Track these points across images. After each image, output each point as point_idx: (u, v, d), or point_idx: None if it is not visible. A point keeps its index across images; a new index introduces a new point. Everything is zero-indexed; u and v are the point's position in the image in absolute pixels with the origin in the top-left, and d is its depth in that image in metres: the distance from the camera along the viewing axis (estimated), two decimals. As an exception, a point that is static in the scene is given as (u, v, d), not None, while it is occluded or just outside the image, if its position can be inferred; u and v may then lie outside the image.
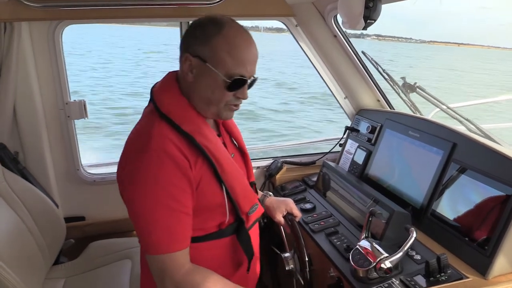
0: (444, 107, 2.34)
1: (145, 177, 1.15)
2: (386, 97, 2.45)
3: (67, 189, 2.36)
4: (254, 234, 1.48)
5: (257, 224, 1.51)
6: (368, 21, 1.78)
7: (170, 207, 1.16)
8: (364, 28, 1.81)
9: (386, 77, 2.32)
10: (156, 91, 1.30)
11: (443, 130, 1.79)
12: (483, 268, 1.40)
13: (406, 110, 2.28)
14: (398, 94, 2.33)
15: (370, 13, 1.74)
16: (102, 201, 2.43)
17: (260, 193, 1.88)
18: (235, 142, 1.53)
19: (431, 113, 2.79)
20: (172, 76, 1.32)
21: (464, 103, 2.87)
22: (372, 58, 2.34)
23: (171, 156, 1.16)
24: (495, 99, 3.68)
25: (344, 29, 2.25)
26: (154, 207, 1.15)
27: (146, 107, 1.34)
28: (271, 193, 1.92)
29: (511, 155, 1.49)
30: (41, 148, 2.19)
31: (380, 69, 2.31)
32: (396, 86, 2.32)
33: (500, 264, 1.38)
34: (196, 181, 1.22)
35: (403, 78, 2.35)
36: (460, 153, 1.67)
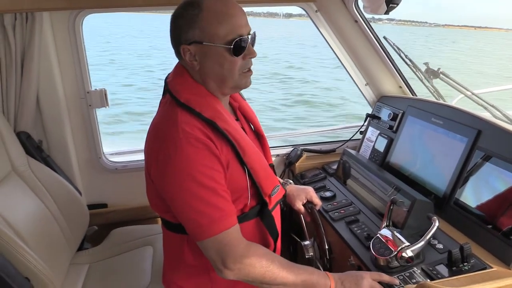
0: (468, 93, 2.28)
1: (181, 164, 1.17)
2: (408, 84, 2.40)
3: (90, 177, 2.41)
4: (277, 216, 1.49)
5: (278, 206, 1.52)
6: (391, 5, 1.74)
7: (212, 187, 1.19)
8: (386, 12, 1.77)
9: (409, 63, 2.26)
10: (171, 82, 1.32)
11: (467, 116, 1.74)
12: (507, 258, 1.37)
13: (429, 97, 2.23)
14: (421, 81, 2.28)
15: (393, -3, 1.70)
16: (124, 188, 2.47)
17: (280, 180, 1.87)
18: (251, 126, 1.54)
19: (454, 100, 2.73)
20: (182, 66, 1.32)
21: (489, 88, 2.80)
22: (394, 44, 2.29)
23: (201, 140, 1.18)
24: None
25: (365, 14, 2.20)
26: (197, 191, 1.17)
27: (162, 98, 1.35)
28: (291, 181, 1.91)
29: None
30: (64, 137, 2.23)
31: (402, 54, 2.26)
32: (419, 72, 2.26)
33: None
34: (226, 164, 1.24)
35: (426, 63, 2.30)
36: (485, 140, 1.62)
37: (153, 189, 1.34)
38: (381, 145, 2.20)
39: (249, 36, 1.26)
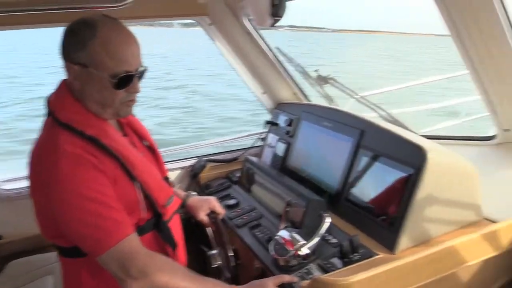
0: (357, 96, 2.46)
1: (67, 183, 1.15)
2: (302, 90, 2.53)
3: (-21, 208, 2.21)
4: (175, 225, 1.50)
5: (177, 216, 1.54)
6: (275, 18, 1.83)
7: (101, 200, 1.17)
8: (272, 25, 1.86)
9: (301, 70, 2.39)
10: (52, 102, 1.29)
11: (352, 118, 1.89)
12: (391, 244, 1.50)
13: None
14: (313, 86, 2.42)
15: (276, 10, 1.79)
16: (20, 217, 2.29)
17: (182, 193, 1.88)
18: (144, 141, 1.54)
19: (348, 103, 2.92)
20: (64, 85, 1.30)
21: (375, 90, 3.06)
22: (286, 53, 2.41)
23: (83, 158, 1.17)
24: (406, 84, 3.94)
25: (259, 26, 2.30)
26: (88, 206, 1.16)
27: (45, 118, 1.31)
28: (194, 193, 1.92)
29: (410, 138, 1.60)
30: None
31: (294, 63, 2.38)
32: (310, 79, 2.40)
33: (405, 239, 1.48)
34: (112, 179, 1.23)
35: (316, 70, 2.44)
36: (368, 139, 1.77)
37: (41, 215, 1.29)
38: (280, 150, 2.30)
39: (138, 72, 1.26)
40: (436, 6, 1.57)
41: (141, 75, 1.29)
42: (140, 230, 1.33)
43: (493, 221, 1.63)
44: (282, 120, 2.37)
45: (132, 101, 1.31)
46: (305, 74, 2.40)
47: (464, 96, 4.24)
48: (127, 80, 1.23)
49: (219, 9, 2.22)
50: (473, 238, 1.51)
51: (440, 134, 2.67)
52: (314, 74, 2.41)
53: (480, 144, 2.13)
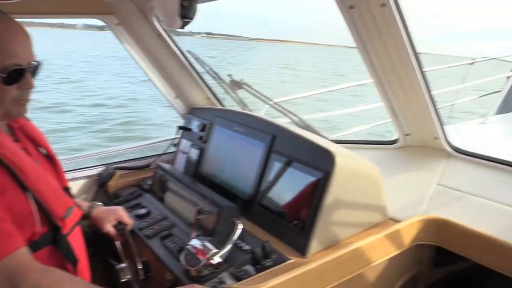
0: (271, 102, 2.48)
1: None
2: (215, 95, 2.50)
3: None
4: (76, 239, 1.38)
5: (78, 229, 1.42)
6: (185, 19, 1.78)
7: None
8: (182, 27, 1.80)
9: (214, 75, 2.36)
10: None
11: (264, 123, 1.89)
12: (302, 248, 1.51)
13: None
14: (226, 91, 2.40)
15: (186, 11, 1.74)
16: None
17: (86, 204, 1.75)
18: (40, 149, 1.41)
19: (263, 109, 2.95)
20: None
21: (288, 97, 3.13)
22: (198, 57, 2.36)
23: None
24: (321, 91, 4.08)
25: (169, 28, 2.22)
26: None
27: None
28: (99, 203, 1.80)
29: (320, 142, 1.64)
30: None
31: (207, 67, 2.34)
32: (224, 84, 2.38)
33: (315, 243, 1.51)
34: (0, 188, 1.10)
35: (229, 75, 2.42)
36: (279, 144, 1.78)
37: None
38: (193, 156, 2.24)
39: (30, 66, 1.16)
40: (344, 20, 1.63)
41: (34, 70, 1.19)
42: (35, 245, 1.20)
43: (397, 221, 1.72)
44: (195, 125, 2.32)
45: (25, 99, 1.20)
46: (218, 78, 2.37)
47: (374, 103, 4.49)
48: (18, 75, 1.13)
49: (127, 9, 2.11)
50: (378, 238, 1.57)
51: (349, 139, 2.78)
52: (227, 79, 2.39)
53: (385, 148, 2.25)
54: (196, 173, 2.19)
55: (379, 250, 1.60)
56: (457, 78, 5.86)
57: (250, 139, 1.90)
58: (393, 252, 1.64)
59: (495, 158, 1.92)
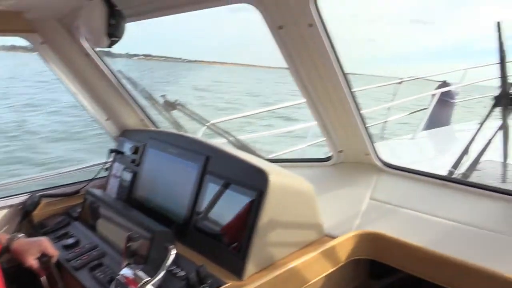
0: (208, 123, 2.45)
1: None
2: (149, 116, 2.43)
3: None
4: None
5: None
6: (113, 38, 1.72)
7: None
8: (109, 46, 1.74)
9: (146, 95, 2.30)
10: None
11: (198, 144, 1.86)
12: (238, 271, 1.47)
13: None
14: (160, 112, 2.34)
15: (113, 30, 1.68)
16: None
17: (5, 236, 1.62)
18: None
19: (201, 130, 2.90)
20: None
21: (225, 117, 3.12)
22: (130, 77, 2.29)
23: None
24: (255, 111, 4.11)
25: (96, 47, 2.14)
26: None
27: None
28: (21, 235, 1.67)
29: (253, 162, 1.63)
30: None
31: (138, 87, 2.28)
32: (157, 104, 2.32)
33: (252, 264, 1.48)
34: None
35: (163, 96, 2.36)
36: (213, 165, 1.75)
37: None
38: (126, 180, 2.15)
39: None
40: (274, 40, 1.65)
41: None
42: None
43: (333, 237, 1.73)
44: (127, 148, 2.23)
45: None
46: (151, 99, 2.31)
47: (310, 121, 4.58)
48: None
49: (51, 27, 2.01)
50: (314, 256, 1.57)
51: (285, 158, 2.81)
52: (161, 100, 2.34)
53: (320, 165, 2.28)
54: (130, 198, 2.09)
55: (316, 268, 1.60)
56: (388, 97, 6.17)
57: (184, 161, 1.85)
58: (330, 268, 1.65)
59: (422, 172, 2.00)
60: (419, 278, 1.62)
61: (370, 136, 2.01)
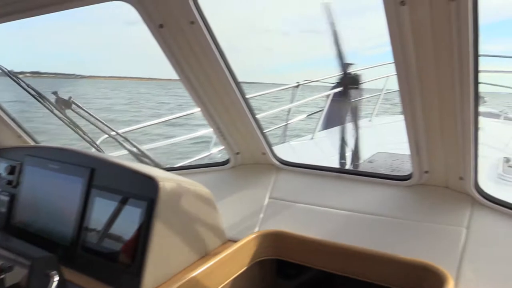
0: (112, 133, 2.29)
1: None
2: (27, 132, 2.19)
3: None
4: None
5: None
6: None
7: None
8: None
9: (33, 93, 2.03)
10: None
11: (81, 156, 1.70)
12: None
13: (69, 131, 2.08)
14: (52, 112, 2.09)
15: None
16: None
17: None
18: None
19: (100, 139, 2.71)
20: None
21: (132, 127, 2.98)
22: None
23: None
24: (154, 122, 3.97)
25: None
26: None
27: None
28: None
29: (143, 170, 1.52)
30: None
31: (22, 83, 2.00)
32: (48, 103, 2.06)
33: (149, 280, 1.38)
34: None
35: (55, 93, 2.09)
36: (100, 177, 1.61)
37: None
38: (3, 205, 1.90)
39: None
40: (155, 40, 1.57)
41: None
42: None
43: (236, 241, 1.69)
44: (2, 169, 1.97)
45: None
46: (41, 97, 2.04)
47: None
48: None
49: None
50: (217, 262, 1.52)
51: (183, 165, 2.73)
52: (52, 98, 2.07)
53: (218, 169, 2.23)
54: (8, 225, 1.85)
55: (220, 274, 1.54)
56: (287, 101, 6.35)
57: (67, 176, 1.68)
58: (234, 273, 1.60)
59: (317, 166, 2.04)
60: (327, 272, 1.63)
61: (265, 136, 2.01)
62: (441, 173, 1.66)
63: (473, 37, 1.17)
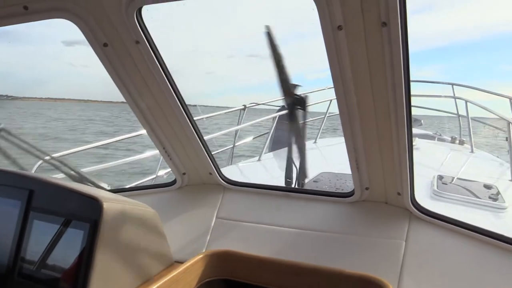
0: (47, 158, 2.19)
1: None
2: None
3: None
4: None
5: None
6: None
7: None
8: None
9: None
10: None
11: (18, 178, 1.62)
12: None
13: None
14: None
15: None
16: None
17: None
18: None
19: (35, 166, 2.59)
20: None
21: (67, 151, 2.87)
22: None
23: None
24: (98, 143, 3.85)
25: None
26: None
27: None
28: None
29: (85, 190, 1.47)
30: None
31: None
32: None
33: None
34: None
35: None
36: (39, 199, 1.54)
37: None
38: None
39: None
40: (99, 59, 1.56)
41: None
42: None
43: (183, 263, 1.66)
44: None
45: None
46: None
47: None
48: None
49: None
50: (162, 284, 1.48)
51: (129, 187, 2.67)
52: None
53: (165, 190, 2.20)
54: None
55: None
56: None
57: (2, 199, 1.59)
58: None
59: (264, 185, 2.08)
60: None
61: (212, 156, 2.02)
62: (381, 189, 1.75)
63: (405, 62, 1.26)
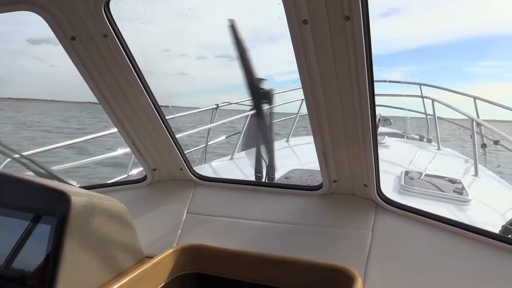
0: (16, 156, 2.15)
1: None
2: None
3: None
4: None
5: None
6: None
7: None
8: None
9: None
10: None
11: None
12: None
13: None
14: None
15: None
16: None
17: None
18: None
19: (3, 163, 2.54)
20: None
21: (38, 149, 2.82)
22: None
23: None
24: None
25: None
26: None
27: None
28: None
29: (52, 185, 1.46)
30: None
31: None
32: None
33: None
34: None
35: None
36: (4, 195, 1.51)
37: None
38: None
39: None
40: (67, 53, 1.54)
41: None
42: None
43: (152, 257, 1.66)
44: None
45: None
46: None
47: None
48: None
49: None
50: (133, 278, 1.48)
51: (98, 183, 2.64)
52: None
53: (135, 186, 2.19)
54: None
55: None
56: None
57: None
58: None
59: (234, 180, 2.10)
60: (247, 282, 1.67)
61: (182, 152, 2.03)
62: (348, 182, 1.79)
63: (368, 59, 1.29)
